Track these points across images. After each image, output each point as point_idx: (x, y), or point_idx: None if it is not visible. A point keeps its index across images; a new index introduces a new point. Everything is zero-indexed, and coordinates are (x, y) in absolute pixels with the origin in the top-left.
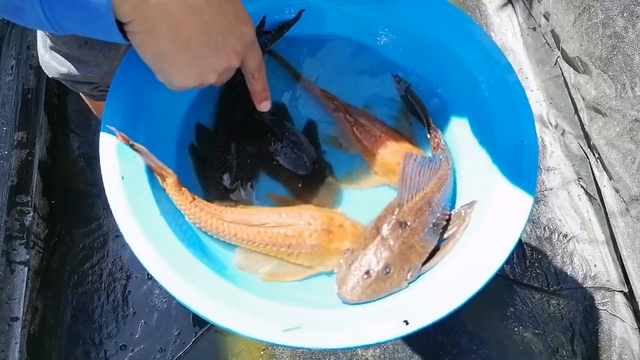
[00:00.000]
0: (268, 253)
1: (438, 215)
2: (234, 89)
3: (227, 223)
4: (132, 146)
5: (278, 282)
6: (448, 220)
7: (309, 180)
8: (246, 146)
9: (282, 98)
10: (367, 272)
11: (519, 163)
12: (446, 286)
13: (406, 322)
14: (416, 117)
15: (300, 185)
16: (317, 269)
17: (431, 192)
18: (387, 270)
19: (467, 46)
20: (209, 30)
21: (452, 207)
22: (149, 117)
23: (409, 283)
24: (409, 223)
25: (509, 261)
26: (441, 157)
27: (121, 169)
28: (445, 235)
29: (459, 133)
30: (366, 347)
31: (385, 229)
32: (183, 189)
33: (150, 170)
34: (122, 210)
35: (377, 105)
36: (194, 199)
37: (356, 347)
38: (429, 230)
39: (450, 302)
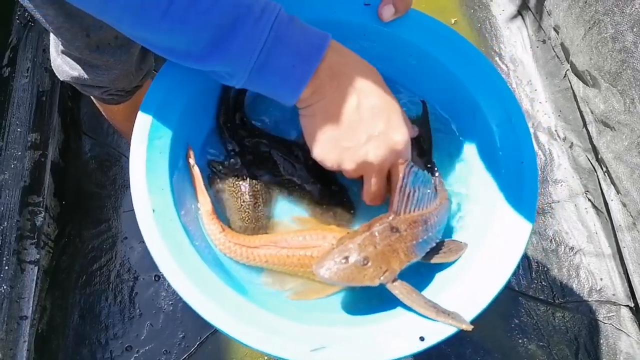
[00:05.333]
0: (296, 274)
1: (430, 234)
2: (232, 118)
3: (257, 251)
4: (191, 167)
5: (303, 302)
6: (439, 247)
7: (327, 201)
8: (261, 174)
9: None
10: (346, 258)
11: (520, 184)
12: (455, 305)
13: (422, 339)
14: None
15: (319, 206)
16: (341, 285)
17: (428, 213)
18: (366, 262)
19: (468, 70)
20: (354, 126)
21: (445, 237)
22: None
23: (380, 284)
24: (400, 230)
25: (514, 274)
26: (437, 181)
27: (152, 204)
28: (431, 260)
29: (461, 155)
30: None
31: (376, 228)
32: (215, 219)
33: (177, 204)
34: (155, 243)
35: None
36: (223, 229)
37: None
38: (417, 243)
39: (468, 313)
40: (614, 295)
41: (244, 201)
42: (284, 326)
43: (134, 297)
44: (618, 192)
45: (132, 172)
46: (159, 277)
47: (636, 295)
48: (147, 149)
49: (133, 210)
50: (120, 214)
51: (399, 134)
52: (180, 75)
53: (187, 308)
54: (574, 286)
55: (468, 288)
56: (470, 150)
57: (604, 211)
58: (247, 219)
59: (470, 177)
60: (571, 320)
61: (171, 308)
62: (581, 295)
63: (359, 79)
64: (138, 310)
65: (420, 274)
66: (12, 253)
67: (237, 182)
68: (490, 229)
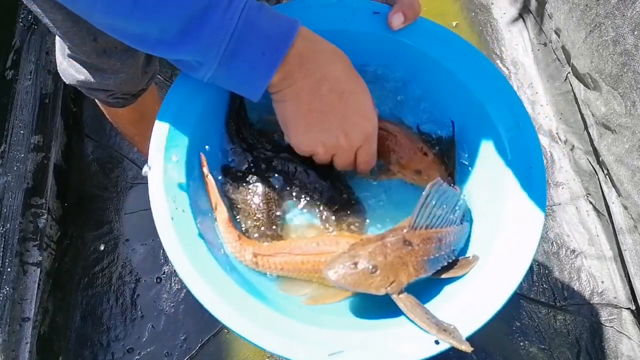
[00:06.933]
0: (311, 279)
1: (443, 253)
2: (242, 126)
3: (272, 259)
4: (205, 176)
5: (318, 306)
6: (450, 265)
7: (339, 207)
8: (274, 181)
9: None
10: (355, 263)
11: (528, 190)
12: (466, 310)
13: (437, 342)
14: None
15: (331, 213)
16: (349, 290)
17: (445, 232)
18: (374, 270)
19: (473, 75)
20: (325, 111)
21: (461, 255)
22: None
23: (385, 294)
24: (413, 244)
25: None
26: (465, 203)
27: (170, 211)
28: (441, 277)
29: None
30: None
31: (389, 238)
32: (231, 227)
33: (194, 212)
34: (174, 249)
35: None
36: (239, 237)
37: None
38: (428, 259)
39: (472, 324)
40: (615, 298)
41: (257, 209)
42: (300, 330)
43: (136, 299)
44: (619, 194)
45: (151, 180)
46: (160, 279)
47: (637, 298)
48: (164, 157)
49: (135, 212)
50: (122, 216)
51: (369, 119)
52: (195, 86)
53: (188, 310)
54: (575, 289)
55: (473, 300)
56: (477, 156)
57: (605, 214)
58: (261, 226)
59: (476, 183)
60: (572, 323)
61: (173, 310)
62: (582, 298)
63: (328, 65)
64: (140, 312)
65: (426, 281)
66: (14, 255)
67: (250, 190)
68: (498, 237)
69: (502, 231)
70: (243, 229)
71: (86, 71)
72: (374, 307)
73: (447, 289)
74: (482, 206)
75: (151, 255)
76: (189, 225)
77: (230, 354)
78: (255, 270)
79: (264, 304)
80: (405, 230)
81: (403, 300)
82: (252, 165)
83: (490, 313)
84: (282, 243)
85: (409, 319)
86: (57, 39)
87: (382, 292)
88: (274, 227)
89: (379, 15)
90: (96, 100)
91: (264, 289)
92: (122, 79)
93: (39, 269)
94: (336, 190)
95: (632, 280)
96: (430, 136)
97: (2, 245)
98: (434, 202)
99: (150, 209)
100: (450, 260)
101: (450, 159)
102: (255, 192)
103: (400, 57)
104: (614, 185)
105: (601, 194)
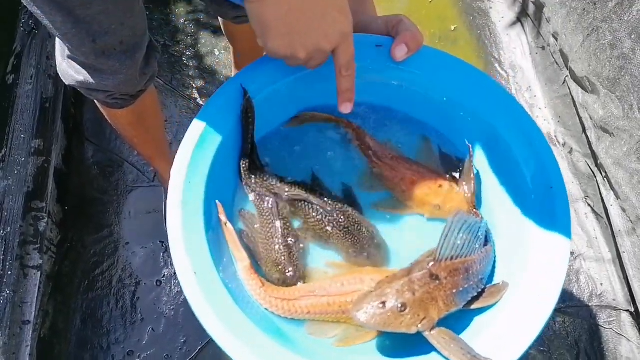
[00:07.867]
0: (339, 320)
1: (471, 283)
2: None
3: (297, 302)
4: (224, 224)
5: (349, 348)
6: (480, 294)
7: (359, 243)
8: (292, 223)
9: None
10: (383, 303)
11: (551, 210)
12: (501, 342)
13: None
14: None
15: (352, 249)
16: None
17: (471, 261)
18: (403, 308)
19: (479, 97)
20: (306, 9)
21: (488, 282)
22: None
23: (417, 332)
24: (440, 278)
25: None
26: (486, 227)
27: (193, 266)
28: (472, 307)
29: (487, 188)
30: None
31: (415, 274)
32: (254, 274)
33: (216, 262)
34: (200, 306)
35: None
36: (263, 284)
37: None
38: (457, 292)
39: (509, 356)
40: (614, 300)
41: (278, 252)
42: None
43: (136, 302)
44: (617, 197)
45: (171, 235)
46: (160, 282)
47: (636, 300)
48: (182, 211)
49: (135, 215)
50: (122, 219)
51: (346, 14)
52: (206, 136)
53: (188, 313)
54: (575, 291)
55: (507, 330)
56: (494, 178)
57: (603, 216)
58: (283, 269)
59: (496, 205)
60: (572, 325)
61: (172, 313)
62: (581, 300)
63: None
64: (140, 315)
65: (455, 313)
66: (15, 258)
67: (269, 234)
68: (525, 261)
69: (529, 255)
70: (265, 274)
71: (85, 72)
72: (405, 343)
73: (478, 320)
74: (505, 228)
75: (151, 258)
76: (212, 279)
77: (230, 357)
78: (282, 316)
79: (294, 352)
80: (430, 264)
81: (436, 337)
82: (268, 208)
83: (527, 343)
84: (306, 286)
85: (443, 356)
86: (57, 40)
87: (413, 330)
88: (296, 269)
89: (382, 48)
90: (96, 102)
91: (294, 334)
92: (121, 80)
93: (39, 272)
94: (356, 226)
95: (630, 282)
96: (451, 159)
97: (2, 249)
98: (456, 234)
99: (152, 212)
100: (480, 290)
101: (469, 181)
102: (274, 236)
103: (405, 87)
104: (612, 188)
105: (600, 196)
